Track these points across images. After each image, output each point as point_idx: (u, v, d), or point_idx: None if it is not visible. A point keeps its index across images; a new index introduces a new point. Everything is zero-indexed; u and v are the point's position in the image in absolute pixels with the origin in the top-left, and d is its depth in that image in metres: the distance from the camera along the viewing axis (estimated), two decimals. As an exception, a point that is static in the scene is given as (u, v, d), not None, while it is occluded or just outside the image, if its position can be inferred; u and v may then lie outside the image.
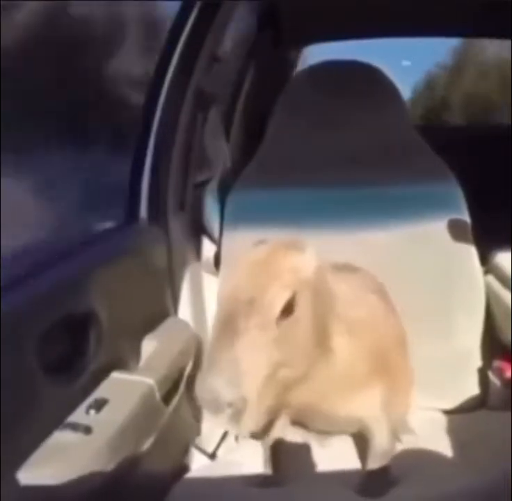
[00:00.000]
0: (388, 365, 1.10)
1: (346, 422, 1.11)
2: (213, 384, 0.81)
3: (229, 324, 0.83)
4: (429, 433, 1.25)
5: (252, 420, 0.82)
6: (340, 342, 0.96)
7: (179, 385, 1.23)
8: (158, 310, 1.30)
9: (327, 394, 1.00)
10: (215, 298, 1.37)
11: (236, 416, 0.81)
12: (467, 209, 1.41)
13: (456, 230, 1.38)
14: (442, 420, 1.31)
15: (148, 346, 1.20)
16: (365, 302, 1.10)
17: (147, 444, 1.08)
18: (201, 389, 0.83)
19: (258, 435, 1.17)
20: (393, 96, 1.51)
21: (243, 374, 0.81)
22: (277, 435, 1.17)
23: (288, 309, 0.85)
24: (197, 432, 1.40)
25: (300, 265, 0.89)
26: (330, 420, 1.10)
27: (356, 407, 1.06)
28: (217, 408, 0.81)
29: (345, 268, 1.13)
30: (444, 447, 1.20)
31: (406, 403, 1.23)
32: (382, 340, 1.09)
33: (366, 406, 1.07)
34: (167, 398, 1.16)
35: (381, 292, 1.21)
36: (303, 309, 0.87)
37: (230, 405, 0.80)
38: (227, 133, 1.78)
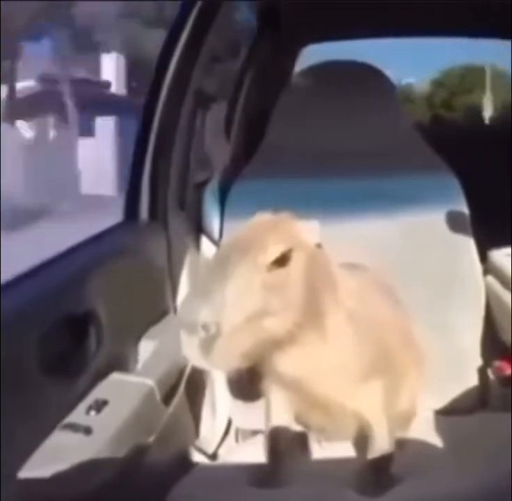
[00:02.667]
0: (392, 364, 1.10)
1: (342, 414, 1.10)
2: (195, 305, 0.85)
3: (223, 260, 0.88)
4: (428, 433, 1.24)
5: (222, 352, 0.85)
6: (337, 325, 0.98)
7: (179, 386, 1.22)
8: (158, 310, 1.30)
9: (320, 375, 1.00)
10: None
11: (208, 342, 0.84)
12: (468, 208, 1.42)
13: (455, 222, 1.39)
14: (442, 421, 1.31)
15: (148, 345, 1.20)
16: (371, 298, 1.11)
17: (147, 446, 1.08)
18: (182, 308, 0.87)
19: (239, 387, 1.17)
20: (392, 95, 1.52)
21: (226, 303, 0.84)
22: (277, 423, 1.17)
23: (282, 261, 0.89)
24: (198, 433, 1.40)
25: (300, 230, 0.94)
26: (325, 409, 1.09)
27: (354, 399, 1.06)
28: (191, 327, 0.84)
29: (354, 267, 1.13)
30: (443, 447, 1.20)
31: (412, 406, 1.23)
32: (387, 337, 1.09)
33: (365, 400, 1.07)
34: (167, 398, 1.16)
35: (390, 293, 1.21)
36: (296, 269, 0.90)
37: (204, 327, 0.83)
38: (228, 132, 1.78)
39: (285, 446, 1.17)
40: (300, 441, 1.23)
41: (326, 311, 0.96)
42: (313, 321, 0.94)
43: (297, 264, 0.90)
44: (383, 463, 1.12)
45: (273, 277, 0.87)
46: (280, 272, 0.88)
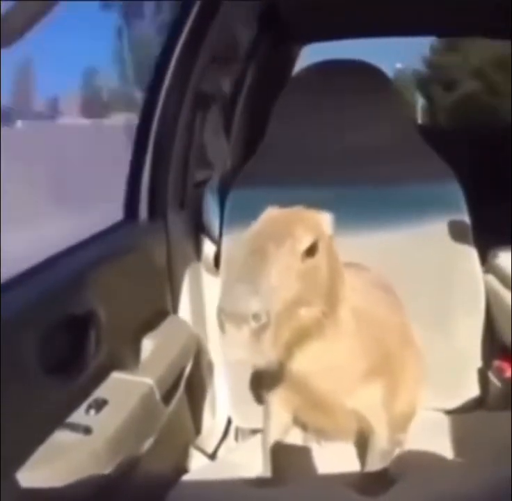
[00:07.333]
0: (392, 363, 1.10)
1: (343, 414, 1.10)
2: (240, 293, 0.79)
3: (259, 251, 0.85)
4: (429, 433, 1.24)
5: (271, 343, 0.81)
6: (346, 318, 0.99)
7: (179, 385, 1.23)
8: (158, 310, 1.30)
9: (328, 371, 1.01)
10: (215, 297, 1.38)
11: (259, 332, 0.79)
12: (467, 208, 1.41)
13: (457, 231, 1.38)
14: (442, 420, 1.31)
15: (148, 345, 1.20)
16: (373, 296, 1.11)
17: (146, 445, 1.08)
18: (225, 299, 0.80)
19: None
20: (393, 96, 1.51)
21: (273, 289, 0.81)
22: (276, 438, 1.17)
23: (311, 251, 0.89)
24: (197, 432, 1.40)
25: (319, 220, 0.95)
26: (326, 409, 1.09)
27: (355, 398, 1.06)
28: (240, 319, 0.78)
29: (356, 266, 1.14)
30: (443, 447, 1.20)
31: (411, 406, 1.23)
32: (388, 337, 1.09)
33: (366, 399, 1.07)
34: (167, 398, 1.16)
35: (389, 291, 1.21)
36: (322, 259, 0.91)
37: (255, 317, 0.78)
38: (228, 132, 1.77)
39: (286, 459, 1.17)
40: (303, 454, 1.23)
41: (340, 302, 0.97)
42: (332, 311, 0.95)
43: (322, 254, 0.92)
44: (383, 462, 1.12)
45: (305, 266, 0.88)
46: (311, 261, 0.89)
